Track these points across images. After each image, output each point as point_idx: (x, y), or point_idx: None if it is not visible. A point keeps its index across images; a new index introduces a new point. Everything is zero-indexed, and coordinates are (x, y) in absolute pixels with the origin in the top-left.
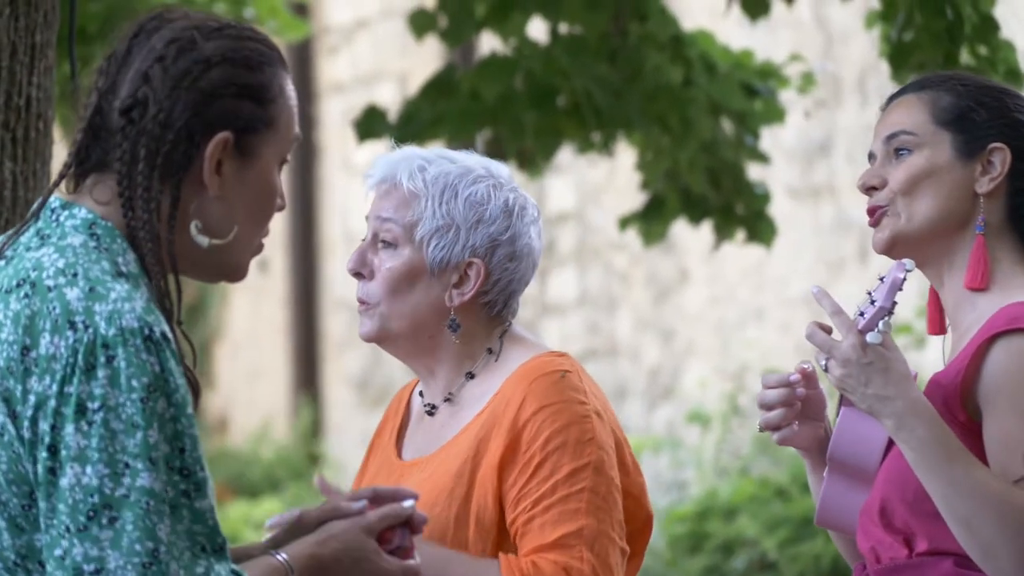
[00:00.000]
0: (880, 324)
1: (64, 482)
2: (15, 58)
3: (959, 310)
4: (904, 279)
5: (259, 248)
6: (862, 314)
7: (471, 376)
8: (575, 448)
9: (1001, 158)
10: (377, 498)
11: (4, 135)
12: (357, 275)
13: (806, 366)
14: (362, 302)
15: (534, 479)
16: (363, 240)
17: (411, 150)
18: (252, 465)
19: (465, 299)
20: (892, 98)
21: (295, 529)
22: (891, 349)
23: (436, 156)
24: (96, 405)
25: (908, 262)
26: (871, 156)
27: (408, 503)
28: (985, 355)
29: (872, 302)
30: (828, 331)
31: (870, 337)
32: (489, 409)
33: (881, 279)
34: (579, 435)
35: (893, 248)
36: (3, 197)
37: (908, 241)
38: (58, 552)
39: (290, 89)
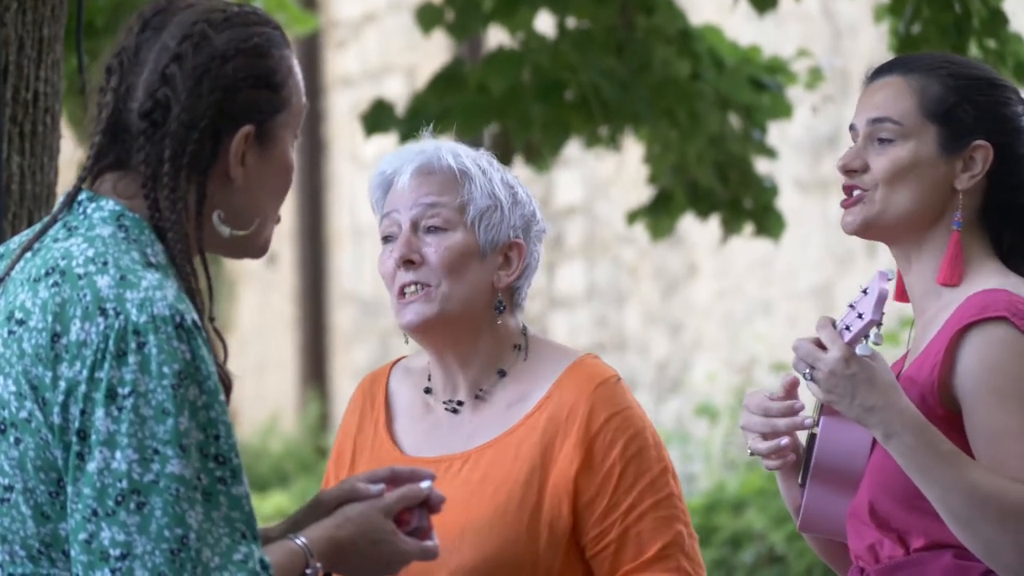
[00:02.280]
0: (872, 336)
1: (92, 466)
2: (23, 52)
3: (924, 298)
4: (889, 291)
5: (278, 220)
6: (847, 328)
7: (503, 374)
8: (652, 454)
9: (983, 156)
10: (395, 479)
11: (12, 129)
12: (407, 263)
13: (791, 379)
14: (406, 288)
15: (619, 488)
16: (386, 238)
17: (427, 140)
18: (260, 458)
19: (511, 280)
20: (879, 72)
21: (313, 511)
22: (876, 359)
23: (453, 144)
24: (126, 391)
25: (889, 271)
26: (852, 128)
27: (425, 484)
28: (958, 346)
29: (860, 315)
30: (818, 344)
31: (860, 349)
32: (546, 415)
33: (864, 291)
34: (652, 441)
35: (864, 233)
36: (11, 190)
37: (879, 228)
38: (83, 536)
39: (295, 64)
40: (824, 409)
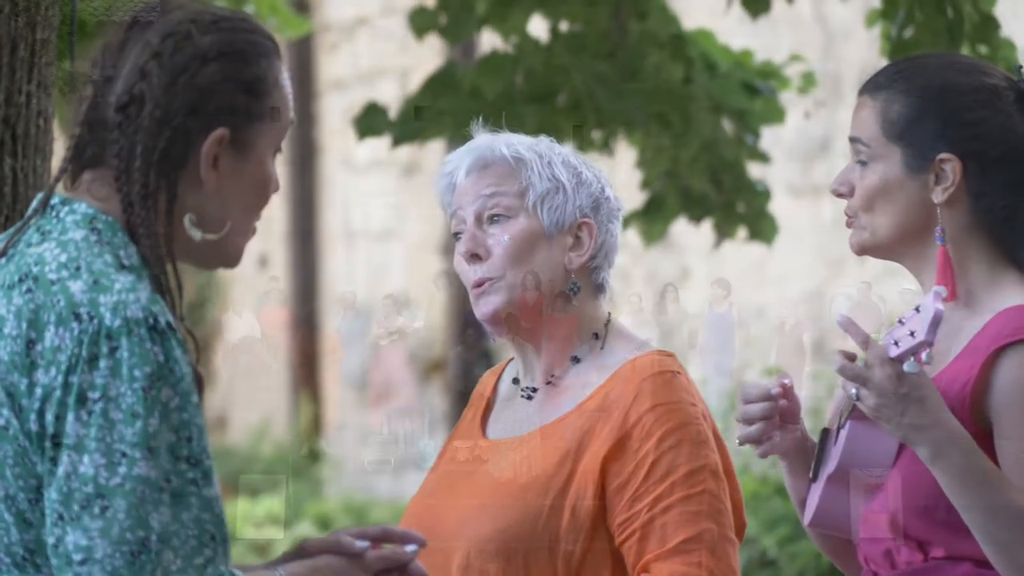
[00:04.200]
0: (923, 355)
1: (60, 471)
2: (15, 55)
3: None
4: (943, 312)
5: (253, 232)
6: (896, 343)
7: (576, 360)
8: (691, 449)
9: (952, 168)
10: (385, 538)
11: (4, 131)
12: (473, 257)
13: (786, 381)
14: (480, 283)
15: (650, 478)
16: (456, 234)
17: (481, 135)
18: (252, 462)
19: (583, 260)
20: (861, 90)
21: (296, 557)
22: (922, 376)
23: (509, 135)
24: (96, 395)
25: (942, 289)
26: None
27: (411, 548)
28: (994, 366)
29: (911, 333)
30: (852, 358)
31: (907, 366)
32: (595, 402)
33: (916, 309)
34: (694, 436)
35: (864, 254)
36: (3, 194)
37: (876, 251)
38: (51, 540)
39: (285, 78)
40: (853, 412)
